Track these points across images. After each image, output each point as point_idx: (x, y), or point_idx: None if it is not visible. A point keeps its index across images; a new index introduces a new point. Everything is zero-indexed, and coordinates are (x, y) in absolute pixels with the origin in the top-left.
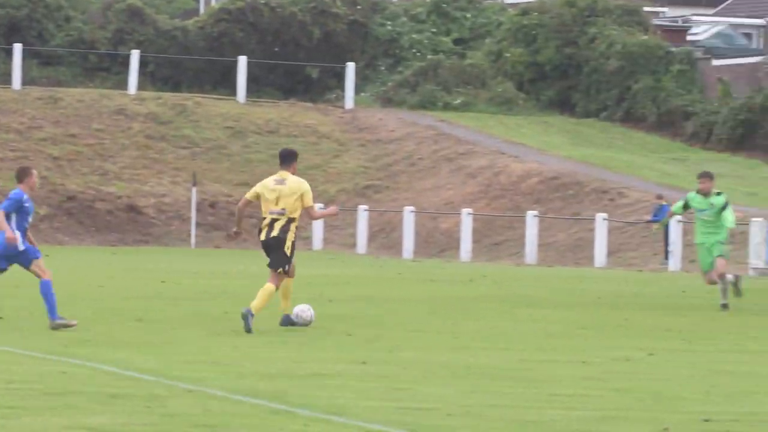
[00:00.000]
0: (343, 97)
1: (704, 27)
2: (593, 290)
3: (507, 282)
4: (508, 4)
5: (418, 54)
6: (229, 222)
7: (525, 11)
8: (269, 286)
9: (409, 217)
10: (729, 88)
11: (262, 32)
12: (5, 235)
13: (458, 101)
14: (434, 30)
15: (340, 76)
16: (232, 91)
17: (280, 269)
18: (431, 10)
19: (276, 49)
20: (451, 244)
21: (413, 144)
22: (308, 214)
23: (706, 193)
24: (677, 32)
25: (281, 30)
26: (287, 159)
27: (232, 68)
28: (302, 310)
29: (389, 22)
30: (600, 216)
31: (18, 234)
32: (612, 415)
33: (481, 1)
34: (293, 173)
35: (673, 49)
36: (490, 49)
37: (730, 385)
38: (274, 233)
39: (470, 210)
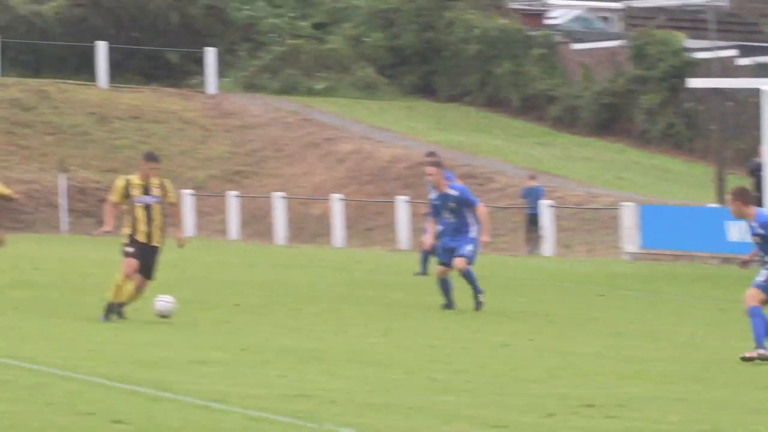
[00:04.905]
0: (204, 82)
1: (561, 11)
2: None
3: (381, 268)
4: None
5: (278, 38)
6: (99, 208)
7: None
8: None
9: (279, 202)
10: (590, 72)
11: (119, 18)
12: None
13: (321, 86)
14: (292, 14)
15: (201, 62)
16: (92, 76)
17: None
18: None
19: (134, 35)
20: (323, 229)
21: (279, 129)
22: None
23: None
24: (534, 16)
25: (138, 15)
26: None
27: (92, 54)
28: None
29: (246, 7)
30: None
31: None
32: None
33: None
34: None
35: (532, 33)
36: (350, 33)
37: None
38: None
39: (341, 195)
